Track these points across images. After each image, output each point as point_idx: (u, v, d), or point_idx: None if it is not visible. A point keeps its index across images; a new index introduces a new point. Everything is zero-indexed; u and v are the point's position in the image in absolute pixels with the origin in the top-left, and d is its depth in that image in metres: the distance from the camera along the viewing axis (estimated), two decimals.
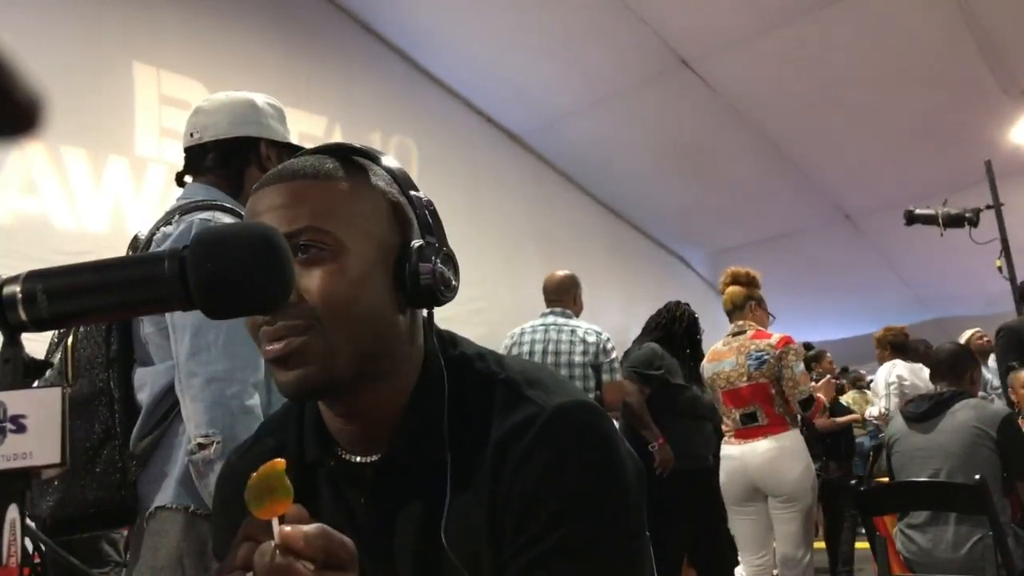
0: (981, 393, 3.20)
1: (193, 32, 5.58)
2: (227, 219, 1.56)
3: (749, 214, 8.37)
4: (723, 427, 3.61)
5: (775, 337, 3.49)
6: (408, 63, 7.10)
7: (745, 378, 3.45)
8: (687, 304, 4.19)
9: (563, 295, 3.94)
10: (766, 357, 3.42)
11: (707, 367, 3.68)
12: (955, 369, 3.06)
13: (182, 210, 1.61)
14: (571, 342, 3.72)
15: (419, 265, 0.80)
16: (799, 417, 3.49)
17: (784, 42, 6.22)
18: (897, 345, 5.09)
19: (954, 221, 4.94)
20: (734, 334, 3.62)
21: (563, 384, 0.83)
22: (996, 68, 6.10)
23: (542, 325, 3.78)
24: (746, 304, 3.67)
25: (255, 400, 1.46)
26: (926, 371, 4.74)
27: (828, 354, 5.84)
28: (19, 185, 4.65)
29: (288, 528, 0.61)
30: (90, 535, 3.04)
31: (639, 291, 8.70)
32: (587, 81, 7.09)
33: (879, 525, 2.93)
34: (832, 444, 5.23)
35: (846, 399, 6.09)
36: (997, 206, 5.09)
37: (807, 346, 5.62)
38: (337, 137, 6.24)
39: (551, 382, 0.81)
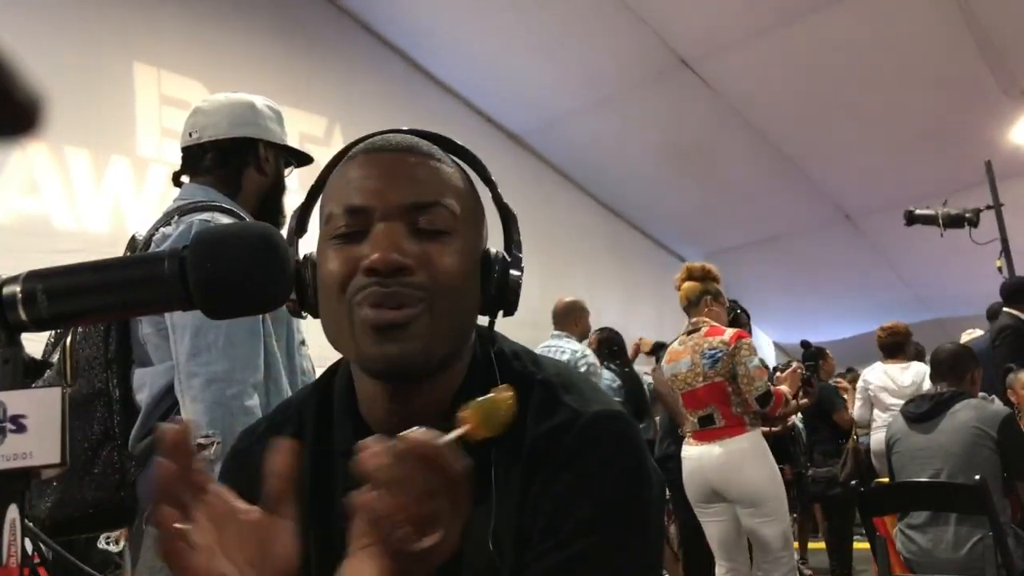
0: (981, 393, 3.17)
1: (193, 32, 5.58)
2: (226, 220, 1.57)
3: (749, 214, 8.37)
4: (682, 429, 3.49)
5: (728, 333, 3.32)
6: (408, 63, 7.10)
7: (701, 378, 3.28)
8: (735, 300, 4.17)
9: (564, 320, 4.41)
10: (719, 354, 3.25)
11: (665, 368, 3.53)
12: (955, 369, 3.06)
13: (181, 211, 1.62)
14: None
15: (510, 274, 0.80)
16: (760, 416, 3.30)
17: (784, 42, 6.22)
18: (883, 346, 5.00)
19: (954, 221, 4.94)
20: (689, 332, 3.45)
21: (598, 391, 0.83)
22: (996, 68, 6.10)
23: (544, 348, 4.19)
24: (701, 299, 3.46)
25: (255, 401, 1.47)
26: (911, 370, 4.73)
27: (828, 352, 5.81)
28: (21, 185, 4.65)
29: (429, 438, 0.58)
30: (88, 539, 3.04)
31: (639, 291, 8.71)
32: (587, 81, 7.09)
33: (879, 525, 2.93)
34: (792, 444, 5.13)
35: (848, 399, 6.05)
36: (997, 206, 5.10)
37: (804, 345, 5.57)
38: (337, 137, 6.23)
39: (587, 388, 0.81)
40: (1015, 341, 4.28)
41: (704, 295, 3.47)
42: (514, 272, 0.80)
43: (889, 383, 4.75)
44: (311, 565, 0.81)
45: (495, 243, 0.84)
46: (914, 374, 4.71)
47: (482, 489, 0.76)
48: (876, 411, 4.80)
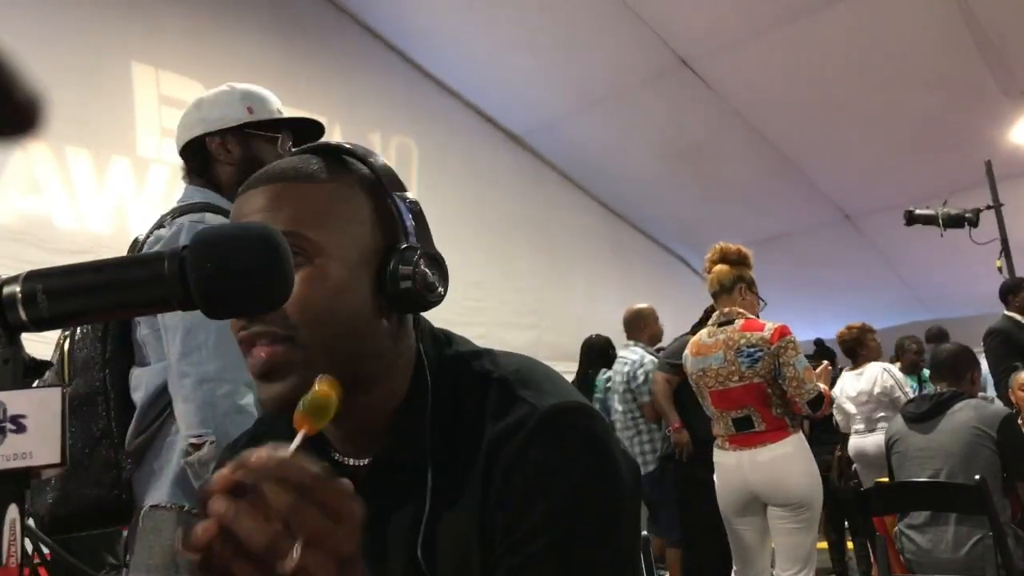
0: (981, 394, 3.17)
1: (192, 32, 5.57)
2: (216, 219, 1.57)
3: (749, 214, 8.37)
4: (714, 430, 3.19)
5: (768, 328, 2.99)
6: (408, 63, 7.10)
7: (736, 377, 3.00)
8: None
9: (631, 329, 4.70)
10: (760, 354, 2.96)
11: (691, 362, 3.21)
12: (955, 369, 3.06)
13: (175, 213, 1.64)
14: (618, 372, 4.63)
15: (399, 268, 0.78)
16: (800, 417, 3.09)
17: (784, 42, 6.22)
18: (845, 351, 4.88)
19: (954, 221, 4.94)
20: (720, 324, 3.12)
21: (557, 384, 0.81)
22: (996, 69, 6.10)
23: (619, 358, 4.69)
24: (735, 286, 3.13)
25: (248, 399, 1.47)
26: (865, 375, 4.69)
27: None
28: (22, 185, 4.65)
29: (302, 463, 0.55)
30: (88, 538, 3.06)
31: (639, 291, 8.70)
32: (587, 81, 7.09)
33: (879, 525, 2.93)
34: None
35: None
36: (997, 206, 5.11)
37: (818, 343, 5.51)
38: (337, 137, 6.22)
39: (545, 382, 0.80)
40: (1000, 346, 4.28)
41: (738, 282, 3.14)
42: (404, 268, 0.78)
43: (849, 390, 4.75)
44: None
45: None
46: (866, 380, 4.65)
47: (414, 496, 0.77)
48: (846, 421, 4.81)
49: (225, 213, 1.61)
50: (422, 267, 0.78)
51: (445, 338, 0.86)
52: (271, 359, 0.74)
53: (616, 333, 5.04)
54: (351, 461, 0.83)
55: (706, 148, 7.52)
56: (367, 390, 0.79)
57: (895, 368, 4.87)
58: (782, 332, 2.99)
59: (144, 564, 1.51)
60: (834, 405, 4.84)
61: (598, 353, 4.91)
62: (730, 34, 6.30)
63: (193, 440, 1.44)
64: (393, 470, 0.80)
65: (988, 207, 5.08)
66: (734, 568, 3.24)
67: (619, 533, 0.76)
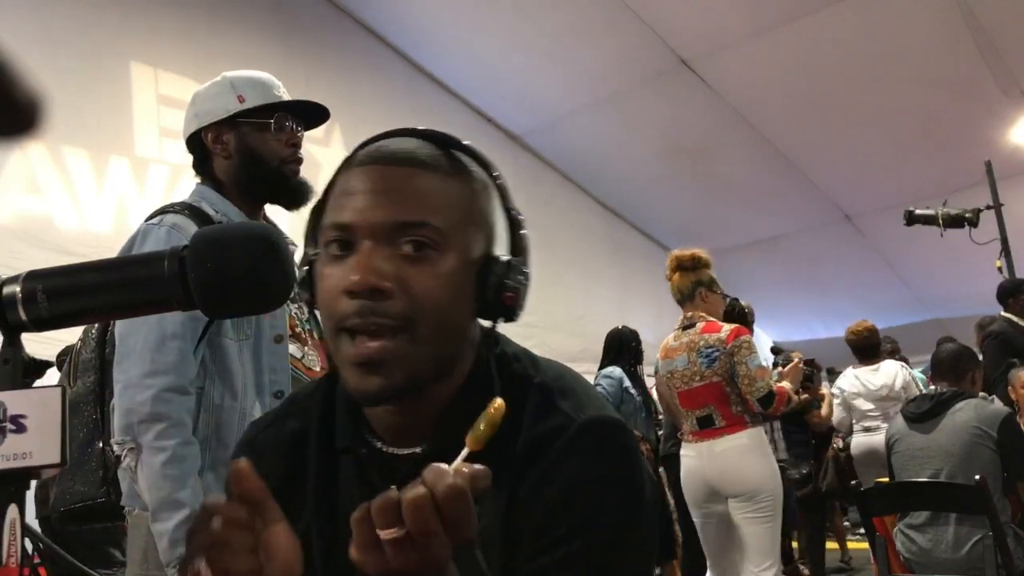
0: (981, 393, 3.17)
1: (190, 32, 5.57)
2: (176, 219, 1.54)
3: (749, 214, 8.37)
4: (682, 428, 3.33)
5: (725, 330, 3.14)
6: (408, 63, 7.10)
7: (698, 377, 3.13)
8: (736, 299, 4.11)
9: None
10: (717, 354, 3.09)
11: (661, 365, 3.38)
12: (956, 369, 3.06)
13: (153, 213, 1.62)
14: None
15: (505, 281, 0.79)
16: (761, 414, 3.17)
17: (784, 42, 6.22)
18: (857, 348, 4.84)
19: (954, 221, 4.94)
20: (684, 327, 3.27)
21: (595, 397, 0.82)
22: (996, 68, 6.10)
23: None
24: (695, 292, 3.26)
25: (173, 406, 1.44)
26: (882, 371, 4.69)
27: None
28: (22, 186, 4.65)
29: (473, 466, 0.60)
30: (93, 533, 3.08)
31: (638, 291, 8.70)
32: (587, 81, 7.09)
33: (879, 525, 2.92)
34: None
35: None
36: (997, 206, 5.10)
37: (775, 351, 5.48)
38: (337, 137, 6.23)
39: (583, 394, 0.81)
40: (999, 347, 4.28)
41: (697, 287, 3.28)
42: (512, 280, 0.79)
43: (861, 387, 4.72)
44: (314, 557, 0.82)
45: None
46: (885, 375, 4.66)
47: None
48: (853, 418, 4.78)
49: (197, 213, 1.57)
50: (525, 283, 0.80)
51: (492, 335, 0.85)
52: (381, 353, 0.73)
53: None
54: (393, 450, 0.82)
55: (706, 148, 7.52)
56: (439, 385, 0.79)
57: (907, 366, 4.87)
58: (737, 333, 3.13)
59: (135, 561, 1.53)
60: (838, 402, 4.83)
61: (624, 345, 4.80)
62: (730, 34, 6.30)
63: (116, 446, 1.45)
64: (444, 461, 0.80)
65: (988, 207, 5.08)
66: (709, 566, 3.31)
67: (645, 545, 0.78)
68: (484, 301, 0.79)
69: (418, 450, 0.80)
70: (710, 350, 3.12)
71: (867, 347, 4.80)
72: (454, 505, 0.57)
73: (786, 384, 3.26)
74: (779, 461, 4.08)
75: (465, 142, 0.84)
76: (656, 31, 6.36)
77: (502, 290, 0.78)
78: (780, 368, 3.64)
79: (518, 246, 0.83)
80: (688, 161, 7.69)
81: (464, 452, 0.62)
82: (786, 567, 4.63)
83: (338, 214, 0.76)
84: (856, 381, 4.75)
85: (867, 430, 4.63)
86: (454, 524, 0.57)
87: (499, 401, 0.63)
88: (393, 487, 0.59)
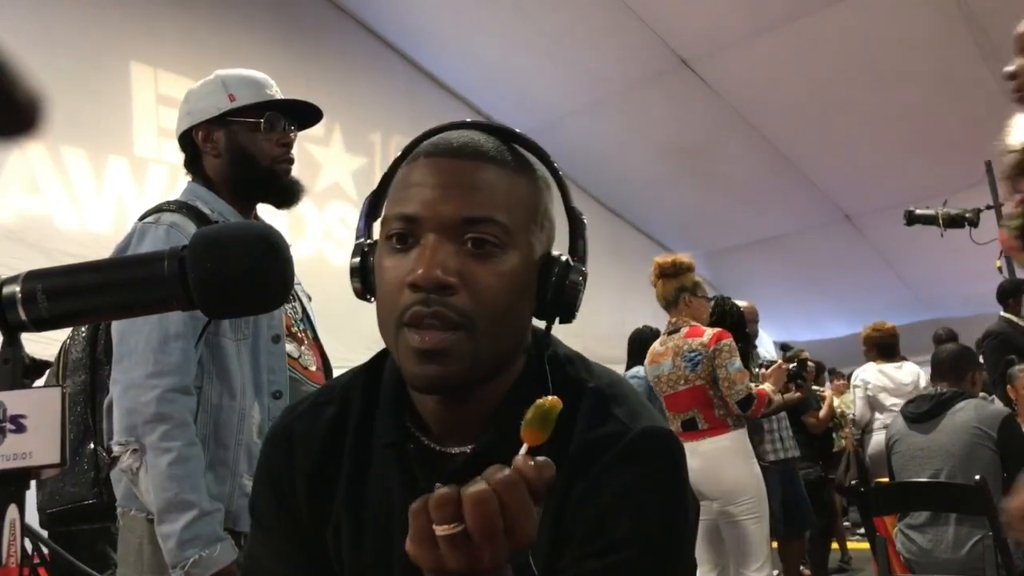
0: (981, 393, 3.17)
1: (191, 32, 5.57)
2: (176, 218, 1.54)
3: (749, 214, 8.36)
4: None
5: (708, 334, 3.21)
6: (408, 63, 7.09)
7: (683, 381, 3.20)
8: (724, 298, 4.12)
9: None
10: (699, 357, 3.16)
11: (648, 370, 3.45)
12: (956, 369, 3.06)
13: (148, 212, 1.62)
14: None
15: (567, 281, 0.79)
16: (743, 417, 3.22)
17: (784, 42, 6.21)
18: (881, 345, 4.92)
19: (954, 221, 4.93)
20: (669, 332, 3.35)
21: (648, 408, 0.83)
22: (996, 68, 6.08)
23: None
24: (679, 298, 3.33)
25: (176, 405, 1.43)
26: (905, 369, 4.72)
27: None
28: (22, 186, 4.65)
29: (531, 459, 0.58)
30: (91, 533, 3.07)
31: (638, 291, 8.70)
32: (587, 81, 7.09)
33: (879, 525, 2.92)
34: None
35: (840, 401, 5.97)
36: (997, 206, 5.10)
37: (785, 348, 5.47)
38: (337, 137, 6.23)
39: (637, 403, 0.81)
40: (998, 347, 4.27)
41: (681, 292, 3.34)
42: (572, 279, 0.80)
43: (888, 382, 4.73)
44: (342, 548, 0.82)
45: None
46: (910, 372, 4.70)
47: None
48: (875, 412, 4.79)
49: (192, 212, 1.57)
50: (583, 284, 0.81)
51: (544, 337, 0.86)
52: (443, 344, 0.72)
53: (616, 333, 5.03)
54: (440, 447, 0.82)
55: (706, 148, 7.51)
56: (493, 383, 0.79)
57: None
58: (719, 337, 3.19)
59: (126, 562, 1.52)
60: (861, 395, 4.84)
61: (645, 346, 4.78)
62: (730, 34, 6.29)
63: (117, 446, 1.44)
64: (495, 460, 0.79)
65: (988, 207, 5.08)
66: (699, 566, 3.34)
67: (688, 557, 0.79)
68: (544, 301, 0.79)
69: (467, 449, 0.80)
70: (693, 354, 3.18)
71: (890, 345, 4.86)
72: (517, 503, 0.55)
73: (767, 386, 3.30)
74: (791, 459, 4.12)
75: (528, 137, 0.83)
76: (656, 31, 6.35)
77: (563, 290, 0.79)
78: (764, 370, 3.63)
79: (578, 246, 0.84)
80: (688, 161, 7.69)
81: (524, 448, 0.60)
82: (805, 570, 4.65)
83: (403, 205, 0.75)
84: (882, 376, 4.77)
85: (887, 427, 4.65)
86: (515, 524, 0.55)
87: (553, 397, 0.62)
88: (437, 484, 0.57)
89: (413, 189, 0.76)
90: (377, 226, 0.83)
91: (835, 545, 5.47)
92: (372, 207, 0.85)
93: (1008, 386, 3.77)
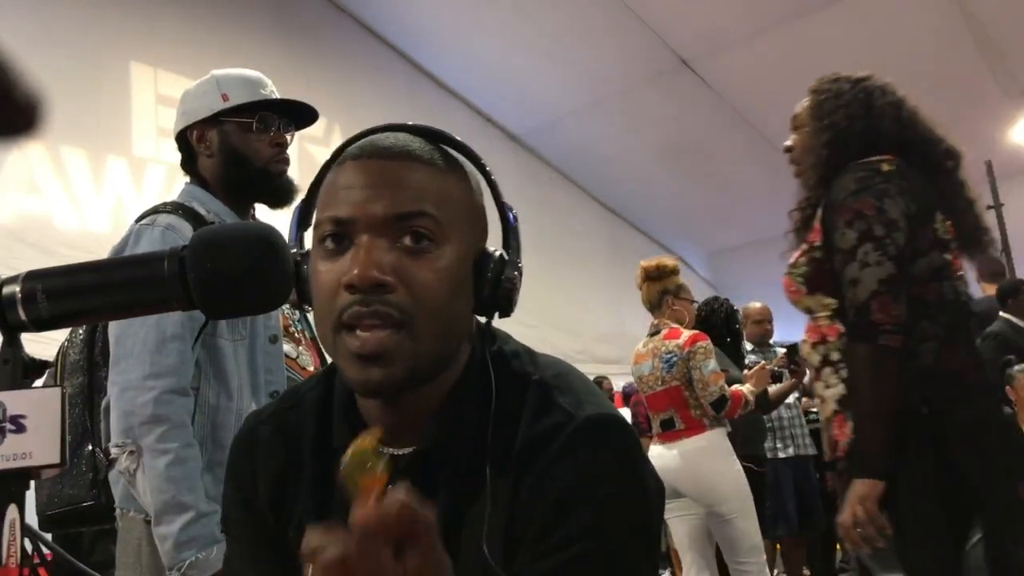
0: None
1: (190, 32, 5.57)
2: (172, 220, 1.53)
3: (749, 214, 8.36)
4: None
5: (684, 336, 3.26)
6: (408, 63, 7.10)
7: (660, 382, 3.26)
8: (725, 298, 4.11)
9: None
10: (675, 359, 3.22)
11: (632, 370, 3.52)
12: None
13: (145, 213, 1.61)
14: None
15: (503, 275, 0.79)
16: (721, 417, 3.23)
17: (784, 42, 6.22)
18: None
19: None
20: (651, 334, 3.43)
21: (595, 393, 0.81)
22: (996, 68, 6.10)
23: None
24: (662, 300, 3.42)
25: (172, 407, 1.43)
26: None
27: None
28: (21, 186, 4.66)
29: (363, 510, 0.52)
30: (92, 533, 3.07)
31: (637, 291, 8.71)
32: (587, 81, 7.09)
33: None
34: None
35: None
36: (997, 206, 5.11)
37: (790, 348, 5.44)
38: (337, 137, 6.23)
39: (583, 391, 0.80)
40: (998, 348, 4.27)
41: (664, 295, 3.42)
42: (508, 274, 0.79)
43: None
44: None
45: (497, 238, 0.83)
46: None
47: (476, 491, 0.76)
48: None
49: (189, 213, 1.57)
50: (519, 278, 0.80)
51: (490, 333, 0.85)
52: (382, 346, 0.72)
53: (616, 333, 5.04)
54: (399, 450, 0.81)
55: (706, 148, 7.52)
56: (435, 381, 0.79)
57: None
58: (694, 339, 3.24)
59: (121, 563, 1.52)
60: None
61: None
62: (730, 34, 6.30)
63: (114, 448, 1.44)
64: (437, 461, 0.79)
65: (988, 207, 5.06)
66: (683, 564, 3.36)
67: (648, 546, 0.77)
68: (481, 296, 0.78)
69: (411, 450, 0.79)
70: (669, 355, 3.24)
71: None
72: (372, 564, 0.50)
73: (744, 388, 3.31)
74: (805, 456, 4.10)
75: (455, 136, 0.84)
76: (656, 31, 6.36)
77: (499, 284, 0.78)
78: (746, 371, 3.62)
79: (511, 241, 0.82)
80: (688, 161, 7.69)
81: (372, 496, 0.53)
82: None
83: (334, 209, 0.75)
84: None
85: None
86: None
87: (367, 431, 0.58)
88: (389, 486, 0.55)
89: (342, 192, 0.76)
90: (308, 235, 0.83)
91: (837, 546, 5.47)
92: (303, 215, 0.84)
93: (1007, 387, 3.77)
